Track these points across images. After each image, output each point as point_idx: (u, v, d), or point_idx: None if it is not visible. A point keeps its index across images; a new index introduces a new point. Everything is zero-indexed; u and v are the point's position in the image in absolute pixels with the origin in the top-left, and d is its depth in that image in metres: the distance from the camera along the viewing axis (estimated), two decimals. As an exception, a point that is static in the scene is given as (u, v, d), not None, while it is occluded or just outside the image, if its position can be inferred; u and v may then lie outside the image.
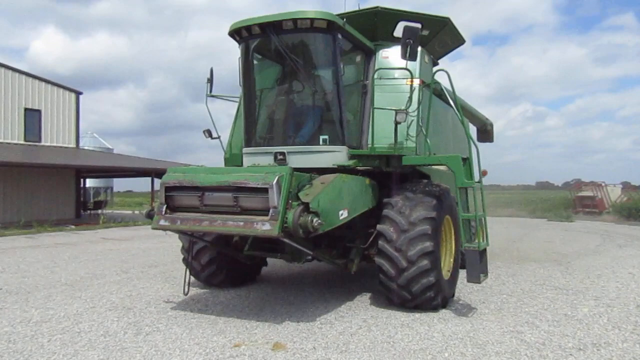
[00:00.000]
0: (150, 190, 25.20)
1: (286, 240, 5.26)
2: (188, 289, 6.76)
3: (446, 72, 6.11)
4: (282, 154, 6.33)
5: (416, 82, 6.83)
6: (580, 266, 10.17)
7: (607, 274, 9.30)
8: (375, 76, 6.80)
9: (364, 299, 7.02)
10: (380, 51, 7.24)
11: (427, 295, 6.11)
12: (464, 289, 7.43)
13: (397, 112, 6.05)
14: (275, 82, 6.85)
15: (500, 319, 5.93)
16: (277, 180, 5.09)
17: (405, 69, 6.09)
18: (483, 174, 7.00)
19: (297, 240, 5.38)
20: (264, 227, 5.05)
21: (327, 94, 6.41)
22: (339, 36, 6.29)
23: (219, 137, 8.02)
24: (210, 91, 7.70)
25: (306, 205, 5.12)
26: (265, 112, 6.93)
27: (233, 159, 7.43)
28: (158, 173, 25.43)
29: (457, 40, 8.10)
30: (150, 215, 6.09)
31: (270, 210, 5.06)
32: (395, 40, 7.24)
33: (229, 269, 7.52)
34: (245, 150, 6.86)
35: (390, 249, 6.06)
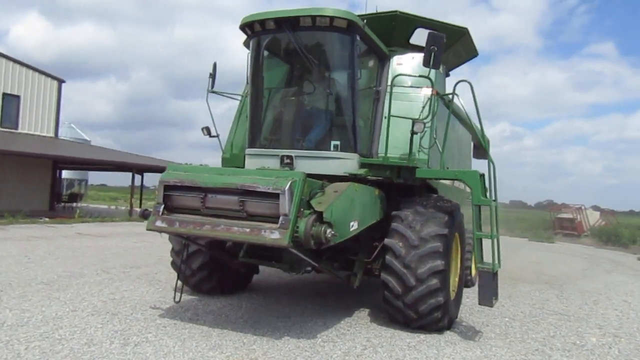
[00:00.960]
0: (130, 185, 24.48)
1: (294, 250, 4.89)
2: (181, 296, 6.32)
3: (469, 83, 5.84)
4: (290, 157, 5.96)
5: (428, 91, 6.56)
6: (574, 290, 10.03)
7: (602, 300, 9.17)
8: (389, 83, 6.50)
9: (363, 314, 6.67)
10: (395, 57, 6.94)
11: (434, 315, 5.80)
12: (463, 309, 7.15)
13: (414, 121, 5.76)
14: (284, 82, 6.49)
15: (509, 345, 5.65)
16: (290, 185, 4.72)
17: (427, 77, 5.80)
18: None
19: (304, 251, 5.02)
20: (273, 235, 4.67)
21: (341, 97, 6.08)
22: (358, 38, 5.97)
23: (217, 136, 7.61)
24: (212, 87, 7.30)
25: (319, 215, 4.77)
26: (272, 112, 6.56)
27: (233, 160, 7.01)
28: (140, 169, 24.72)
29: (470, 51, 7.88)
30: (145, 215, 5.65)
31: (280, 218, 4.69)
32: (410, 47, 6.96)
33: (221, 276, 7.10)
34: (248, 151, 6.47)
35: (398, 265, 5.74)
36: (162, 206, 5.28)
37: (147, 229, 5.29)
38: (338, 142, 5.96)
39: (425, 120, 5.87)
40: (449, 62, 7.83)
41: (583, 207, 32.31)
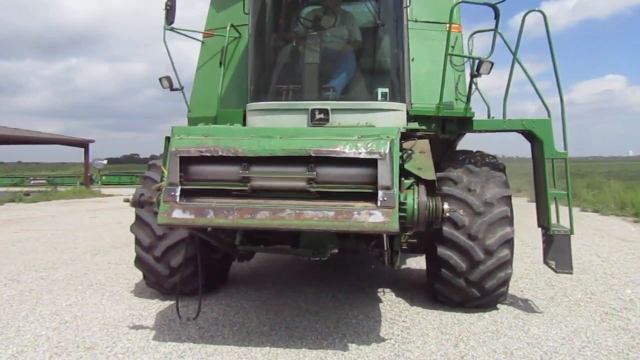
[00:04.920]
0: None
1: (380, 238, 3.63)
2: (198, 312, 4.61)
3: (542, 13, 4.83)
4: (324, 111, 4.50)
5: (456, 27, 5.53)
6: None
7: None
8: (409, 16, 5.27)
9: (390, 297, 5.62)
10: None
11: (499, 291, 4.96)
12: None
13: (481, 61, 4.66)
14: (307, 10, 4.87)
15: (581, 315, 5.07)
16: (390, 148, 3.38)
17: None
18: None
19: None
20: (373, 218, 3.30)
21: (390, 30, 4.72)
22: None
23: (182, 89, 5.76)
24: (170, 22, 5.40)
25: (430, 185, 3.54)
26: (290, 52, 4.93)
27: (222, 119, 5.24)
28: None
29: None
30: (141, 203, 3.84)
31: (380, 193, 3.33)
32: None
33: (207, 272, 5.46)
34: (253, 106, 4.82)
35: (462, 237, 4.74)
36: (179, 188, 3.55)
37: (161, 224, 3.54)
38: (387, 90, 4.65)
39: (489, 59, 4.79)
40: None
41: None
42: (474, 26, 5.37)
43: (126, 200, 3.97)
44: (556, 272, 4.87)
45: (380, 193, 3.34)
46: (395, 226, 3.27)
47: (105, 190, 26.71)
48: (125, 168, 57.84)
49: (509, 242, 4.79)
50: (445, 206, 3.47)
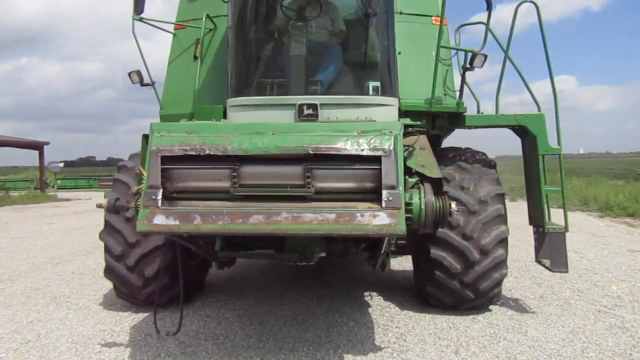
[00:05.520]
0: None
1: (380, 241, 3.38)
2: (179, 326, 4.20)
3: (535, 4, 4.68)
4: (312, 106, 4.19)
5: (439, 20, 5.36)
6: None
7: None
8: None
9: (378, 301, 5.38)
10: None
11: (494, 292, 4.81)
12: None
13: (474, 54, 4.47)
14: (286, 1, 4.55)
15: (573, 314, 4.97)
16: (394, 144, 3.13)
17: None
18: None
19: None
20: (378, 220, 3.03)
21: (381, 21, 4.46)
22: None
23: (153, 84, 5.36)
24: (139, 12, 5.01)
25: (436, 183, 3.31)
26: (271, 45, 4.61)
27: (200, 116, 4.85)
28: None
29: None
30: (117, 209, 3.45)
31: (384, 193, 3.06)
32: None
33: (185, 280, 5.07)
34: (236, 101, 4.47)
35: (456, 238, 4.55)
36: (161, 191, 3.19)
37: (142, 232, 3.15)
38: (378, 83, 4.39)
39: (482, 52, 4.60)
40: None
41: None
42: (456, 19, 5.21)
43: (100, 206, 3.57)
44: (552, 270, 4.75)
45: (384, 193, 3.07)
46: (402, 228, 3.02)
47: (62, 194, 25.47)
48: (81, 171, 55.81)
49: (504, 241, 4.65)
50: (453, 206, 3.24)
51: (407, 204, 3.16)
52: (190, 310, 5.11)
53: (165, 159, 3.19)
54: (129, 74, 5.16)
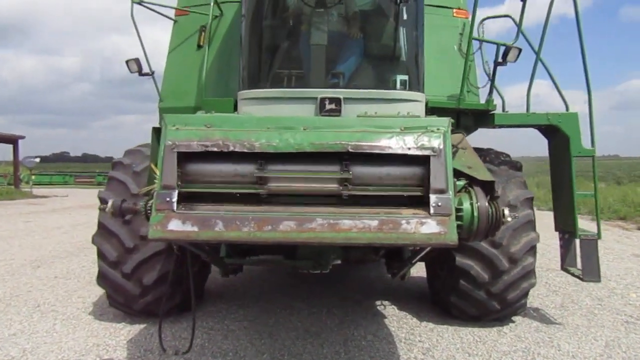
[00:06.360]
0: None
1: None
2: (191, 343, 3.76)
3: None
4: (336, 101, 3.82)
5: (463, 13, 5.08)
6: None
7: None
8: None
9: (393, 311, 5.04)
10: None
11: (521, 302, 4.53)
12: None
13: (508, 48, 4.15)
14: None
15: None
16: (443, 142, 2.77)
17: None
18: None
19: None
20: (426, 228, 2.67)
21: (411, 11, 4.10)
22: None
23: (152, 74, 4.91)
24: (139, -6, 4.58)
25: (488, 187, 2.97)
26: (289, 33, 4.20)
27: (208, 108, 4.41)
28: None
29: None
30: (124, 212, 3.01)
31: (433, 198, 2.71)
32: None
33: (185, 288, 4.66)
34: (249, 93, 4.06)
35: (484, 245, 4.23)
36: (176, 192, 2.77)
37: (155, 238, 2.72)
38: (406, 77, 4.03)
39: (515, 45, 4.27)
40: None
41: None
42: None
43: (102, 208, 3.11)
44: (583, 280, 4.47)
45: (432, 197, 2.71)
46: (454, 238, 2.66)
47: (37, 191, 24.54)
48: (55, 167, 54.27)
49: (533, 249, 4.37)
50: (506, 211, 2.91)
51: (457, 210, 2.81)
52: (192, 322, 4.68)
53: (181, 156, 2.78)
54: (127, 62, 4.70)
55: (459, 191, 2.96)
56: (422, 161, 2.75)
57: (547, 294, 5.70)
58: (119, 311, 4.75)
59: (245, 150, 2.76)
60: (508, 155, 4.90)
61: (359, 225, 2.70)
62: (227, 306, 5.20)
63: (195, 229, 2.71)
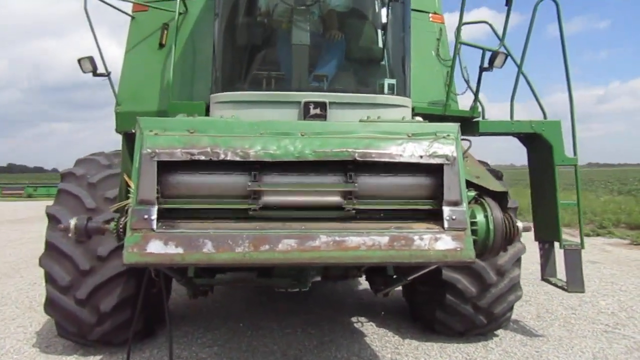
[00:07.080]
0: None
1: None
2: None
3: (556, 2, 4.26)
4: (321, 105, 3.52)
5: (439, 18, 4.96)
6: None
7: None
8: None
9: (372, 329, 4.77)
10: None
11: (506, 316, 4.40)
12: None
13: (494, 53, 4.01)
14: None
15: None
16: (456, 150, 2.54)
17: None
18: None
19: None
20: (440, 244, 2.42)
21: (397, 11, 3.88)
22: None
23: (108, 74, 4.41)
24: (93, -14, 4.10)
25: (501, 198, 2.76)
26: (268, 32, 3.86)
27: (177, 113, 3.97)
28: None
29: None
30: (90, 232, 2.55)
31: (447, 211, 2.47)
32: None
33: (149, 314, 4.19)
34: (224, 96, 3.67)
35: (472, 258, 4.06)
36: (156, 209, 2.36)
37: (130, 263, 2.28)
38: (394, 81, 3.79)
39: (501, 50, 4.15)
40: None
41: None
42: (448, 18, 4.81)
43: (64, 229, 2.63)
44: (567, 291, 4.38)
45: (446, 210, 2.47)
46: (471, 254, 2.42)
47: (-40, 204, 22.53)
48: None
49: (519, 260, 4.25)
50: (519, 225, 2.71)
51: (471, 224, 2.58)
52: (155, 349, 4.23)
53: (162, 164, 2.38)
54: (79, 61, 4.18)
55: (469, 203, 2.74)
56: (434, 170, 2.51)
57: (521, 304, 5.60)
58: (69, 342, 4.19)
59: (238, 159, 2.41)
60: (487, 164, 4.78)
61: (368, 243, 2.41)
62: (191, 329, 4.74)
63: (180, 250, 2.32)
